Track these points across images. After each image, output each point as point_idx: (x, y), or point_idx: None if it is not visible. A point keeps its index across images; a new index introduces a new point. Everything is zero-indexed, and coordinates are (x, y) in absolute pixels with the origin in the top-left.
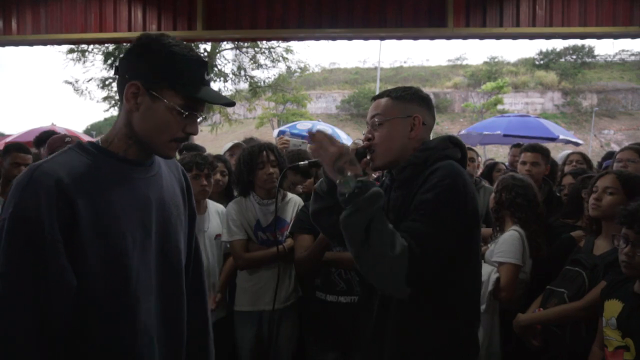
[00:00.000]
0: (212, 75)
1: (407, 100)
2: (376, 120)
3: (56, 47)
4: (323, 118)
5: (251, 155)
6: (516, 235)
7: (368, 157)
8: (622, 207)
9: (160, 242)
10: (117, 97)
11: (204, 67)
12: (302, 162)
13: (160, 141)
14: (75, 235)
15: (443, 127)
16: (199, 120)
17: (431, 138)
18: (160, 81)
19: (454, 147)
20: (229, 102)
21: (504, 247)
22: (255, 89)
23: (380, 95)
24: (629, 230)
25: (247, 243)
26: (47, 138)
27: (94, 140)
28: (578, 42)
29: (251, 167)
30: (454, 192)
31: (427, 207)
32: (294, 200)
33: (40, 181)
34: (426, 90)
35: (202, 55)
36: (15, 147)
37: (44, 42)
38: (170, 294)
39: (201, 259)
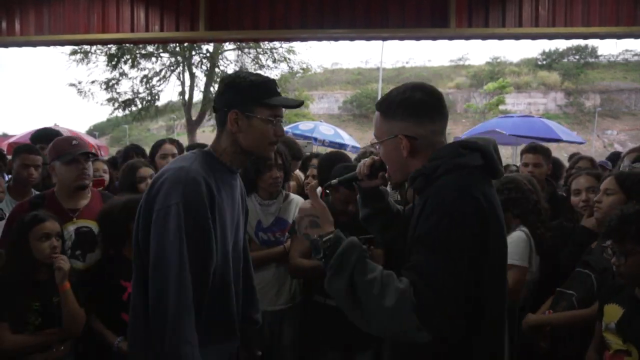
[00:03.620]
0: (281, 88)
1: (391, 116)
2: (372, 141)
3: (59, 48)
4: (325, 118)
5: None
6: (522, 236)
7: (387, 174)
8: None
9: (235, 236)
10: (120, 99)
11: (274, 83)
12: (333, 181)
13: (262, 147)
14: (212, 223)
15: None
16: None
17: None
18: (251, 103)
19: (471, 153)
20: (300, 103)
21: (511, 249)
22: None
23: (377, 106)
24: (611, 242)
25: (249, 243)
26: (43, 136)
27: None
28: (581, 42)
29: (258, 168)
30: (451, 220)
31: (426, 245)
32: (296, 201)
33: (195, 179)
34: None
35: (261, 74)
36: (25, 149)
37: (47, 43)
38: (238, 275)
39: (247, 248)
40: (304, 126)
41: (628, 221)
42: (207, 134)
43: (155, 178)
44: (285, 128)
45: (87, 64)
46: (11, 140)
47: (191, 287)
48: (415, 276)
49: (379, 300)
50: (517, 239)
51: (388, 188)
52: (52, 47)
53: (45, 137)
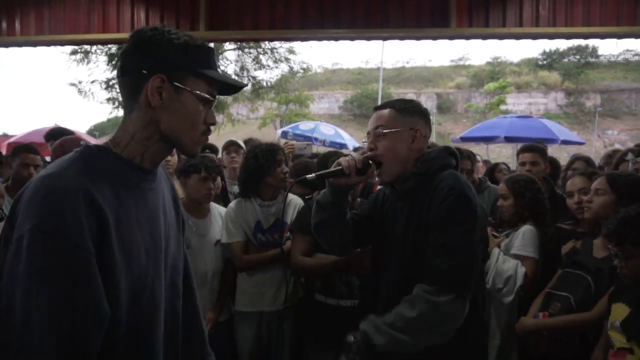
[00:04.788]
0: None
1: (410, 113)
2: (380, 130)
3: (59, 48)
4: (325, 118)
5: (271, 152)
6: (533, 229)
7: (376, 171)
8: (607, 222)
9: (166, 258)
10: (119, 98)
11: (213, 52)
12: (309, 175)
13: (191, 137)
14: (104, 251)
15: (446, 127)
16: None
17: (434, 140)
18: (182, 70)
19: (449, 156)
20: (243, 85)
21: (525, 241)
22: (258, 90)
23: (383, 107)
24: (611, 244)
25: (247, 245)
26: (58, 134)
27: (97, 141)
28: (581, 42)
29: (270, 165)
30: (464, 198)
31: (446, 220)
32: (294, 202)
33: (65, 191)
34: (429, 90)
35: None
36: (25, 148)
37: (48, 43)
38: (175, 314)
39: (191, 272)
40: (304, 126)
41: (628, 224)
42: None
43: (20, 193)
44: (286, 128)
45: (88, 63)
46: (11, 140)
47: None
48: (443, 256)
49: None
50: (528, 232)
51: None
52: (52, 47)
53: (59, 135)
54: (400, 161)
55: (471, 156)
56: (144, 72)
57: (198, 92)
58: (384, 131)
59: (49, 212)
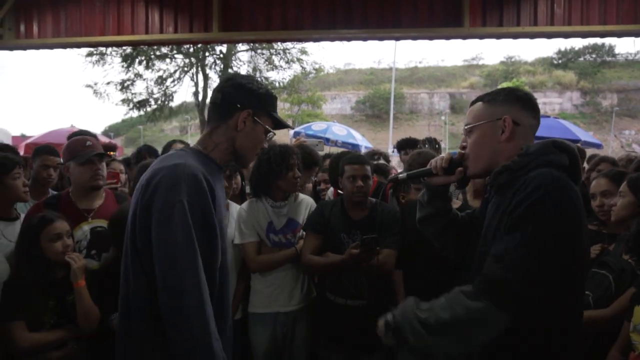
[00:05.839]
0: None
1: (498, 102)
2: (466, 127)
3: (75, 50)
4: (338, 119)
5: (283, 156)
6: None
7: (461, 168)
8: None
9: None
10: (135, 100)
11: (277, 99)
12: (401, 174)
13: (252, 154)
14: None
15: (460, 127)
16: None
17: (447, 141)
18: (261, 110)
19: (560, 153)
20: (291, 126)
21: None
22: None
23: (475, 101)
24: (633, 259)
25: (260, 245)
26: (81, 135)
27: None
28: (598, 40)
29: (282, 169)
30: (546, 206)
31: (516, 225)
32: (306, 201)
33: (195, 175)
34: (442, 90)
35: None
36: (45, 150)
37: (64, 45)
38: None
39: None
40: (317, 127)
41: None
42: None
43: (148, 177)
44: (298, 128)
45: (103, 65)
46: (29, 141)
47: (206, 284)
48: (497, 265)
49: (461, 317)
50: None
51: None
52: (68, 49)
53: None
54: (487, 155)
55: None
56: (238, 105)
57: (267, 126)
58: (470, 127)
59: (191, 190)
